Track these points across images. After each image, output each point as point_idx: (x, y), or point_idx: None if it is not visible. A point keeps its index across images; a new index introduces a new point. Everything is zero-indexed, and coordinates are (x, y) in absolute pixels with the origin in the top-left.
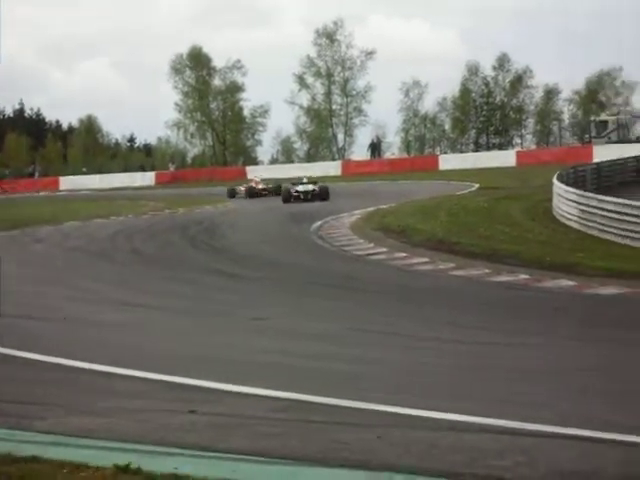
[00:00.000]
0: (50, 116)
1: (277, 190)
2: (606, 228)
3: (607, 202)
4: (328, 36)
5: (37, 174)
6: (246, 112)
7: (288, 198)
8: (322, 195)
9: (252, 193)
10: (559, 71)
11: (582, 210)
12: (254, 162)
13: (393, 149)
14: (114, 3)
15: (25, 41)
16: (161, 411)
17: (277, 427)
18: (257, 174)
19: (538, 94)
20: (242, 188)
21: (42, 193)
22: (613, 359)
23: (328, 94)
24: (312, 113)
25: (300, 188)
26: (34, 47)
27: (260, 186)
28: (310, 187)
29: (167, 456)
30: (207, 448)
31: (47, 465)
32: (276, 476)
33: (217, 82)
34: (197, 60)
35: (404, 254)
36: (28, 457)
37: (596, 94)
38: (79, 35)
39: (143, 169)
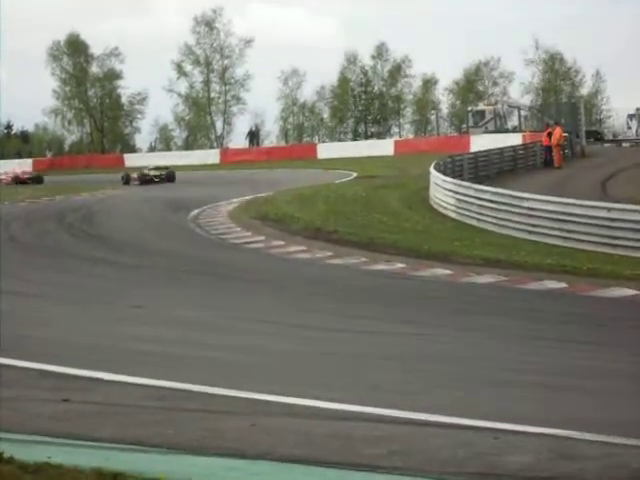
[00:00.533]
0: None
1: (170, 176)
2: (483, 217)
3: (484, 191)
4: (207, 24)
5: None
6: (124, 99)
7: (144, 181)
8: (170, 178)
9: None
10: (437, 61)
11: (459, 199)
12: (132, 150)
13: (272, 137)
14: None
15: None
16: (34, 400)
17: (152, 415)
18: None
19: (416, 84)
20: (135, 175)
21: None
22: (482, 347)
23: (207, 82)
24: (190, 101)
25: (152, 172)
26: None
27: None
28: (158, 172)
29: (40, 445)
30: (80, 437)
31: None
32: (150, 464)
33: (95, 69)
34: (75, 47)
35: (281, 242)
36: None
37: (474, 84)
38: None
39: (20, 156)
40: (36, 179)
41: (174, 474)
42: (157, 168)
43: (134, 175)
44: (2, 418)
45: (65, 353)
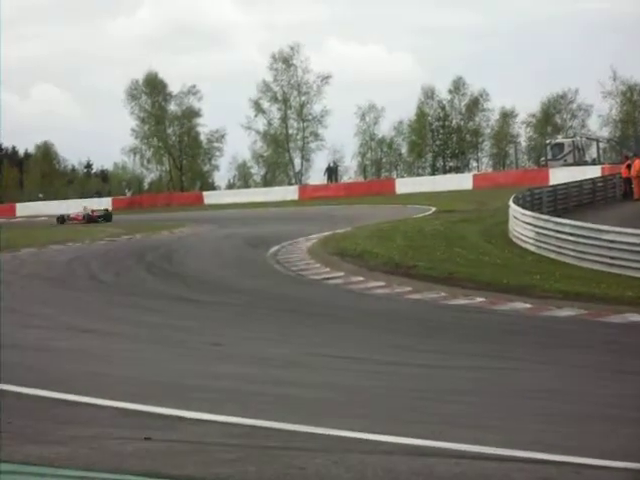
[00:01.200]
0: (6, 142)
1: (107, 216)
2: (562, 250)
3: (563, 224)
4: (284, 61)
5: None
6: (202, 137)
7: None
8: (107, 218)
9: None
10: (515, 93)
11: (538, 232)
12: (211, 187)
13: (350, 173)
14: (66, 25)
15: None
16: (116, 438)
17: (233, 453)
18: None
19: (494, 117)
20: (74, 215)
21: None
22: (565, 381)
23: (284, 119)
24: (268, 138)
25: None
26: None
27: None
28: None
29: None
30: (162, 475)
31: None
32: None
33: (173, 107)
34: (153, 86)
35: (361, 278)
36: None
37: (552, 117)
38: (29, 58)
39: (100, 195)
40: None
41: None
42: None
43: (72, 215)
44: (84, 457)
45: (146, 391)
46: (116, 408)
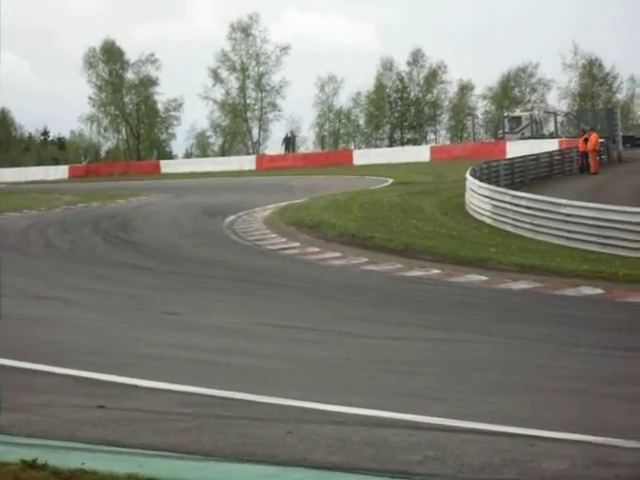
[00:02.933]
0: None
1: None
2: (519, 223)
3: (520, 197)
4: (243, 30)
5: None
6: (160, 106)
7: None
8: None
9: None
10: (474, 67)
11: (495, 205)
12: (169, 156)
13: (307, 144)
14: None
15: None
16: (69, 406)
17: (187, 422)
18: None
19: (452, 90)
20: None
21: None
22: (518, 354)
23: (242, 89)
24: (226, 107)
25: None
26: None
27: None
28: None
29: (74, 451)
30: (115, 443)
31: None
32: (185, 471)
33: (131, 76)
34: (110, 54)
35: (317, 249)
36: None
37: (510, 90)
38: None
39: (56, 162)
40: None
41: None
42: None
43: None
44: (36, 424)
45: (100, 360)
46: (70, 376)
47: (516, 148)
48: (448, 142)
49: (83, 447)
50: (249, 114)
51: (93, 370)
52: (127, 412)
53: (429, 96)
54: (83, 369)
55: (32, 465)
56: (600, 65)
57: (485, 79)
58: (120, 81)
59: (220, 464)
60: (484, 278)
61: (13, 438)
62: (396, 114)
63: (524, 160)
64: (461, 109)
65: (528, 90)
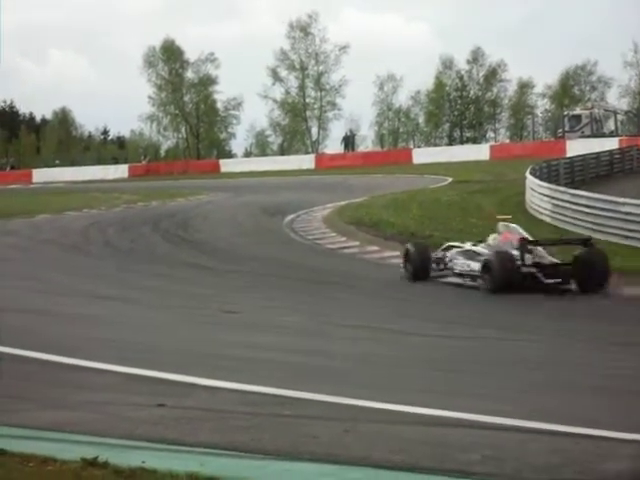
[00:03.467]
0: (23, 108)
1: None
2: (578, 222)
3: (579, 196)
4: (302, 29)
5: (9, 167)
6: (219, 105)
7: None
8: None
9: None
10: (533, 65)
11: (555, 204)
12: (228, 155)
13: (367, 143)
14: None
15: None
16: (129, 404)
17: (247, 421)
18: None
19: (512, 88)
20: None
21: (14, 186)
22: (579, 353)
23: (302, 88)
24: (286, 107)
25: None
26: None
27: None
28: None
29: (135, 450)
30: (175, 442)
31: (13, 459)
32: (245, 470)
33: (190, 75)
34: (170, 53)
35: (376, 247)
36: None
37: (570, 88)
38: (45, 24)
39: (116, 162)
40: None
41: (268, 479)
42: None
43: None
44: (96, 422)
45: (159, 358)
46: (129, 374)
47: (576, 147)
48: (507, 141)
49: (143, 445)
50: (308, 113)
51: (152, 368)
52: (187, 410)
53: (489, 94)
54: (142, 367)
55: (93, 463)
56: None
57: (545, 77)
58: (180, 80)
59: (279, 462)
60: None
61: (73, 436)
62: (455, 112)
63: (584, 159)
64: (521, 107)
65: (588, 88)
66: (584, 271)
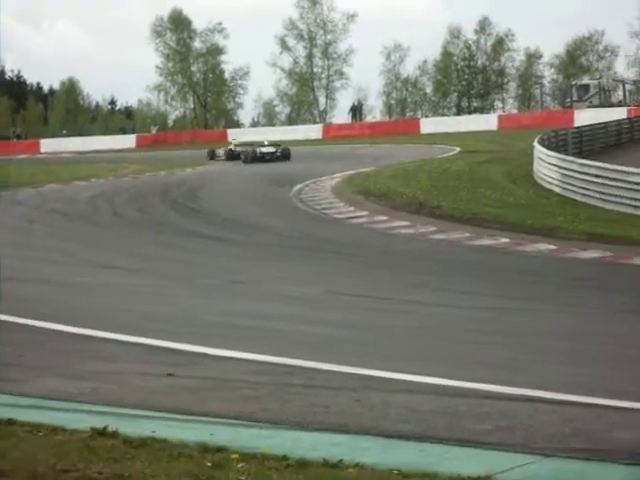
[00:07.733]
0: (31, 78)
1: (285, 154)
2: (587, 192)
3: (588, 166)
4: None
5: (15, 137)
6: (227, 75)
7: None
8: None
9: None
10: (540, 35)
11: (563, 174)
12: (236, 125)
13: (374, 112)
14: None
15: None
16: (139, 374)
17: (256, 390)
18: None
19: (519, 57)
20: (221, 151)
21: (22, 156)
22: (587, 323)
23: (309, 57)
24: (294, 76)
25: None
26: None
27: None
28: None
29: (145, 419)
30: (185, 411)
31: (23, 428)
32: (254, 439)
33: (198, 45)
34: (178, 23)
35: (385, 217)
36: (3, 419)
37: (577, 58)
38: None
39: (124, 132)
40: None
41: (278, 449)
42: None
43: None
44: (107, 392)
45: (169, 328)
46: (139, 344)
47: (584, 116)
48: (515, 111)
49: (154, 415)
50: (316, 83)
51: (162, 338)
52: (196, 380)
53: (496, 64)
54: (152, 337)
55: (102, 433)
56: None
57: (552, 47)
58: (187, 50)
59: (289, 432)
60: (552, 247)
61: (83, 406)
62: (463, 82)
63: (592, 128)
64: (528, 77)
65: (595, 58)
66: None
